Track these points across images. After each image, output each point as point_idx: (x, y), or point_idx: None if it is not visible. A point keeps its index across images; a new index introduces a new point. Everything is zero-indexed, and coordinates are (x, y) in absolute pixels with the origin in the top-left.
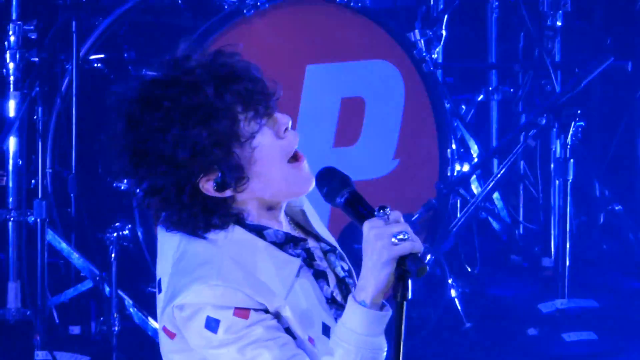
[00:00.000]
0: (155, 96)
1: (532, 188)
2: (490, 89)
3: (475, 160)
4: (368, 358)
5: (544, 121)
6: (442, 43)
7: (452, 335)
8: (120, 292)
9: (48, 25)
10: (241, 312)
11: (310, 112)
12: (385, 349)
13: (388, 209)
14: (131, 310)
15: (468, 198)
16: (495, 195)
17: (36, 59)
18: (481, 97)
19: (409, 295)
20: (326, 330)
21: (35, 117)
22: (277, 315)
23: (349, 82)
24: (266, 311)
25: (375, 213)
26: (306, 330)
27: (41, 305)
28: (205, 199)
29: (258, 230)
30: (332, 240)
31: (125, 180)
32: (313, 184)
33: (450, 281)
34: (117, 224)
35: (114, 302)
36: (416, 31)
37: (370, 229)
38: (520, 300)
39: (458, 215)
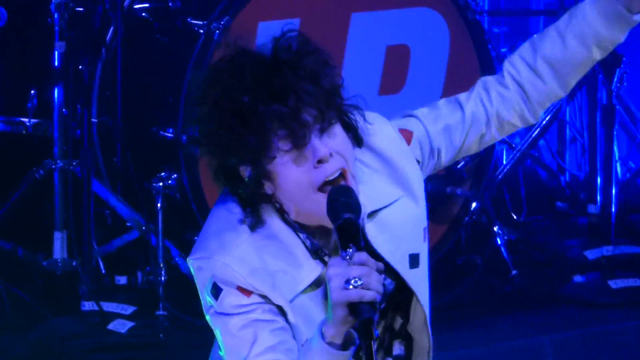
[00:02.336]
0: (211, 79)
1: (577, 135)
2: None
3: None
4: None
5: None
6: None
7: (498, 283)
8: (166, 242)
9: None
10: (244, 290)
11: (355, 60)
12: None
13: (351, 250)
14: (177, 259)
15: (513, 145)
16: (541, 142)
17: (81, 9)
18: None
19: (374, 335)
20: None
21: (80, 67)
22: (280, 309)
23: (394, 29)
24: (268, 300)
25: (341, 252)
26: (308, 331)
27: (87, 255)
28: (244, 182)
29: (294, 226)
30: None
31: (171, 129)
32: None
33: (496, 229)
34: (163, 174)
35: (161, 251)
36: None
37: (329, 267)
38: (566, 248)
39: (504, 162)
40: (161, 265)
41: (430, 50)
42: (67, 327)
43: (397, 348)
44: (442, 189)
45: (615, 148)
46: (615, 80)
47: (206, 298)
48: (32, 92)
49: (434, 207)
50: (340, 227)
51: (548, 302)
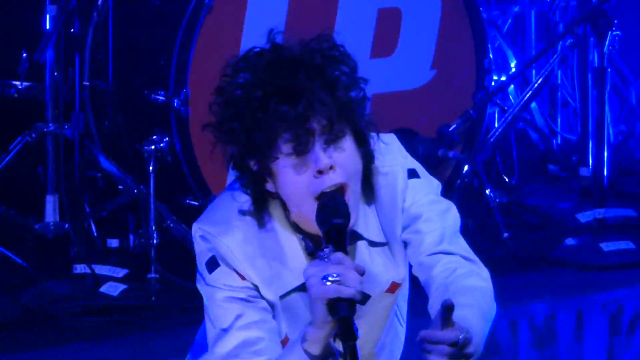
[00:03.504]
0: (237, 67)
1: (569, 98)
2: None
3: (513, 70)
4: None
5: (580, 30)
6: None
7: (490, 245)
8: (158, 205)
9: None
10: (239, 274)
11: (346, 23)
12: None
13: (328, 250)
14: (169, 222)
15: (505, 108)
16: (533, 105)
17: None
18: (517, 8)
19: (357, 336)
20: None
21: (72, 30)
22: (270, 303)
23: None
24: (258, 292)
25: (318, 252)
26: (289, 328)
27: (79, 218)
28: (253, 182)
29: (295, 226)
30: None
31: (162, 93)
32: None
33: (488, 191)
34: (154, 137)
35: (152, 214)
36: None
37: (307, 267)
38: (558, 210)
39: (496, 125)
40: (153, 228)
41: (421, 13)
42: (58, 290)
43: None
44: (433, 152)
45: (607, 111)
46: (607, 43)
47: (200, 267)
48: (24, 55)
49: (426, 170)
50: (327, 232)
51: (540, 264)
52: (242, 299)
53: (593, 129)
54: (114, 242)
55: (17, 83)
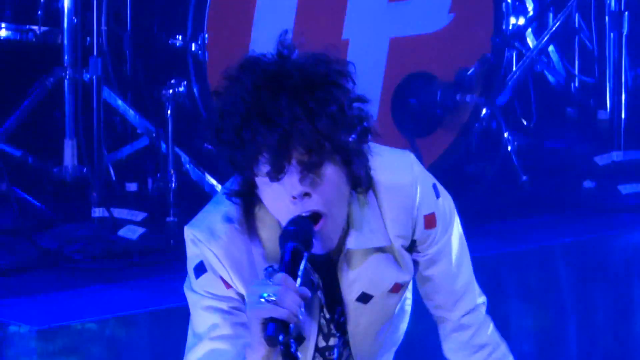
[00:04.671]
0: (229, 80)
1: (587, 41)
2: None
3: (531, 13)
4: None
5: None
6: None
7: (509, 189)
8: (176, 149)
9: None
10: (225, 282)
11: None
12: None
13: (270, 269)
14: (187, 166)
15: (523, 51)
16: (551, 48)
17: None
18: None
19: (296, 358)
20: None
21: None
22: None
23: None
24: (243, 299)
25: (264, 270)
26: None
27: (98, 162)
28: (241, 184)
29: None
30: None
31: (180, 37)
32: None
33: (506, 135)
34: (172, 81)
35: (171, 158)
36: None
37: (250, 285)
38: (576, 153)
39: (514, 69)
40: (171, 172)
41: None
42: (77, 233)
43: None
44: (451, 96)
45: (625, 54)
46: None
47: (188, 269)
48: (42, 0)
49: (444, 114)
50: (282, 253)
51: (558, 207)
52: (221, 310)
53: (611, 72)
54: (132, 186)
55: (35, 28)
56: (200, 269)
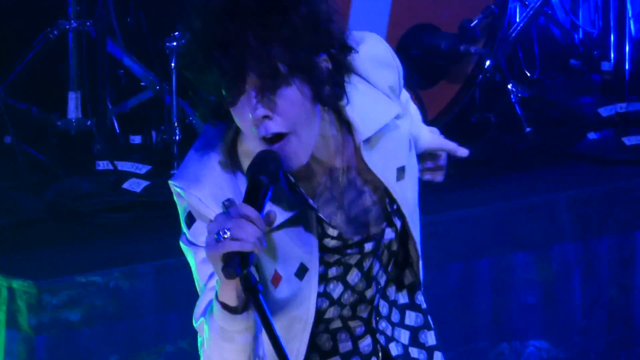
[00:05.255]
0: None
1: None
2: None
3: None
4: (226, 347)
5: None
6: None
7: (512, 140)
8: (180, 101)
9: None
10: None
11: None
12: (249, 342)
13: (227, 202)
14: (191, 118)
15: (527, 3)
16: None
17: None
18: None
19: (257, 289)
20: (302, 272)
21: None
22: None
23: None
24: None
25: (223, 201)
26: (278, 265)
27: (102, 115)
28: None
29: None
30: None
31: None
32: (289, 165)
33: (510, 86)
34: (176, 33)
35: (175, 110)
36: None
37: (209, 223)
38: (580, 105)
39: (517, 20)
40: (175, 124)
41: None
42: (81, 187)
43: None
44: (455, 47)
45: (629, 5)
46: None
47: (181, 221)
48: None
49: (448, 65)
50: (248, 185)
51: (562, 158)
52: None
53: (614, 23)
54: (136, 139)
55: None
56: (190, 219)
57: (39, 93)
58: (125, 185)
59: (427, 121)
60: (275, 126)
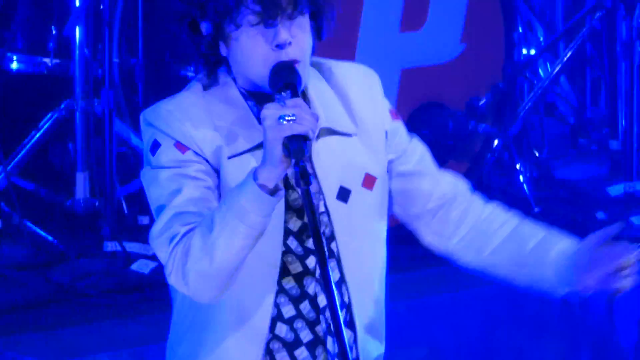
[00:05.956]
0: None
1: (598, 71)
2: None
3: (542, 43)
4: (238, 230)
5: (609, 3)
6: None
7: None
8: None
9: None
10: (181, 146)
11: None
12: (259, 229)
13: (285, 94)
14: None
15: (535, 82)
16: (562, 78)
17: None
18: None
19: (310, 181)
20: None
21: (101, 6)
22: (215, 169)
23: None
24: (205, 160)
25: (275, 96)
26: None
27: (110, 195)
28: (204, 46)
29: (244, 95)
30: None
31: (192, 68)
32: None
33: (518, 166)
34: None
35: None
36: None
37: (264, 110)
38: (589, 184)
39: (525, 99)
40: None
41: None
42: (90, 268)
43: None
44: (463, 126)
45: (637, 84)
46: (636, 15)
47: (145, 156)
48: (53, 31)
49: (456, 144)
50: (283, 86)
51: (571, 238)
52: (184, 175)
53: (622, 102)
54: (144, 219)
55: (47, 60)
56: (155, 145)
57: (47, 173)
58: (134, 267)
59: None
60: (293, 53)
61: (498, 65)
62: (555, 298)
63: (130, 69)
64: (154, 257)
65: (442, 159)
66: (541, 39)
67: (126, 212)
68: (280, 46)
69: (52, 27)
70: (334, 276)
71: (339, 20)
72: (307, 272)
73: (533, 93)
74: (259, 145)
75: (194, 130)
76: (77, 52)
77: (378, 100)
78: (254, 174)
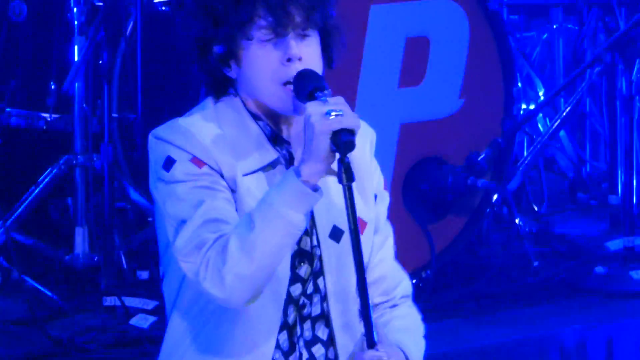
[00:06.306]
0: None
1: (598, 126)
2: (555, 26)
3: (541, 98)
4: (280, 229)
5: (609, 58)
6: None
7: (521, 274)
8: None
9: None
10: (198, 161)
11: (374, 52)
12: (300, 227)
13: (326, 92)
14: None
15: (534, 136)
16: (562, 133)
17: (100, 3)
18: (545, 35)
19: (352, 177)
20: None
21: (100, 62)
22: (230, 186)
23: (414, 21)
24: (220, 175)
25: (316, 95)
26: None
27: (109, 250)
28: (214, 69)
29: (254, 115)
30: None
31: None
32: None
33: (517, 220)
34: None
35: None
36: None
37: (307, 108)
38: (588, 239)
39: (524, 154)
40: None
41: (450, 42)
42: (89, 322)
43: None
44: (463, 181)
45: (636, 138)
46: (635, 70)
47: (157, 172)
48: (52, 87)
49: (455, 199)
50: (317, 88)
51: (570, 293)
52: (203, 187)
53: (622, 156)
54: (143, 274)
55: (46, 115)
56: (169, 163)
57: (46, 228)
58: (133, 321)
59: (435, 255)
60: (302, 68)
61: (497, 120)
62: None
63: (129, 124)
64: (152, 312)
65: (441, 213)
66: (540, 94)
67: (125, 267)
68: (290, 59)
69: (51, 82)
70: (314, 310)
71: (338, 76)
72: (290, 299)
73: (532, 148)
74: (271, 165)
75: (212, 147)
76: (76, 107)
77: (372, 157)
78: (296, 172)
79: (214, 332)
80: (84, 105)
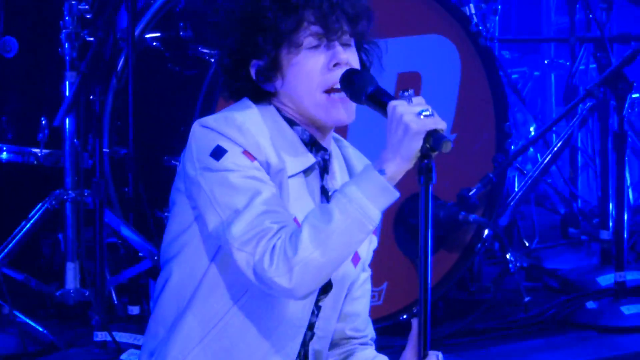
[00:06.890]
0: None
1: (589, 161)
2: (546, 62)
3: (533, 133)
4: (358, 222)
5: (600, 94)
6: (497, 17)
7: (511, 309)
8: None
9: (103, 4)
10: (249, 155)
11: None
12: (375, 224)
13: (411, 91)
14: None
15: (525, 172)
16: (553, 168)
17: (92, 39)
18: (537, 72)
19: (433, 178)
20: None
21: (91, 97)
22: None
23: (405, 57)
24: (267, 173)
25: (400, 94)
26: (299, 213)
27: (100, 285)
28: (252, 81)
29: (290, 121)
30: None
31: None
32: (343, 118)
33: (508, 256)
34: None
35: None
36: (471, 5)
37: (396, 107)
38: (579, 274)
39: (516, 189)
40: None
41: (441, 77)
42: (80, 358)
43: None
44: (454, 216)
45: (627, 174)
46: (626, 106)
47: (202, 161)
48: (43, 122)
49: (446, 235)
50: (373, 93)
51: (561, 328)
52: (258, 178)
53: (613, 192)
54: (134, 309)
55: (37, 150)
56: (219, 152)
57: (36, 263)
58: (124, 357)
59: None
60: None
61: (489, 155)
62: None
63: (120, 159)
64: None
65: (433, 248)
66: (532, 129)
67: (116, 302)
68: (338, 64)
69: (42, 117)
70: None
71: None
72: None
73: (524, 183)
74: (309, 169)
75: (266, 145)
76: (67, 142)
77: None
78: (378, 169)
79: (237, 333)
80: (75, 140)
